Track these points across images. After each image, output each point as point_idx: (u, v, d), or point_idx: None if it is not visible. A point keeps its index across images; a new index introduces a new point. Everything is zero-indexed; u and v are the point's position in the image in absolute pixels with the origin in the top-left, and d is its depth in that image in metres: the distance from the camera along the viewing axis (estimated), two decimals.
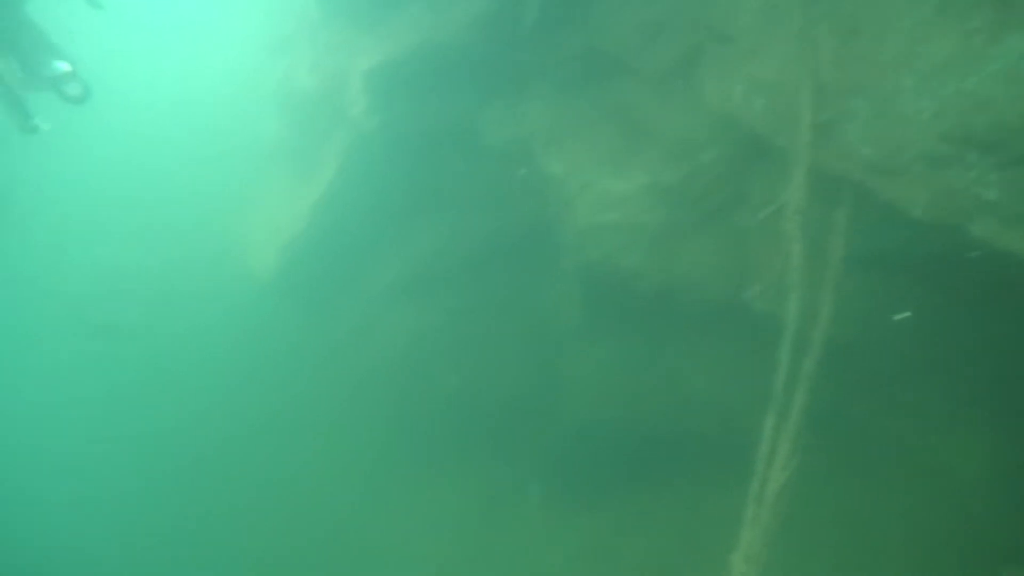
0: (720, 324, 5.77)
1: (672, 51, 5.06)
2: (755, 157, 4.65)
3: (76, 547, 8.39)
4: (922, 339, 4.19)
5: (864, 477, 4.86)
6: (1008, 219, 3.03)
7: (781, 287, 3.92)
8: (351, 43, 6.66)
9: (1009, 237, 3.05)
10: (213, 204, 9.86)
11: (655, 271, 5.81)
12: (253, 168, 9.43)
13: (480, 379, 7.40)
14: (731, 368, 5.71)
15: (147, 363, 9.69)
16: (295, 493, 8.24)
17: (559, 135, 6.04)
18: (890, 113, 3.40)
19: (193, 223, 10.16)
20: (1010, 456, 4.59)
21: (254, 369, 8.86)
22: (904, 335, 4.16)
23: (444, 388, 7.60)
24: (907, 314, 3.99)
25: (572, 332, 6.81)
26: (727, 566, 3.28)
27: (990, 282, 3.66)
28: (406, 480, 7.96)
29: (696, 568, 3.73)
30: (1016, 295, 3.44)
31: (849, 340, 4.00)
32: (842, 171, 3.56)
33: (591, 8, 5.67)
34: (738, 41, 4.21)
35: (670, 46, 5.07)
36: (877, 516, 4.80)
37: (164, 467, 8.88)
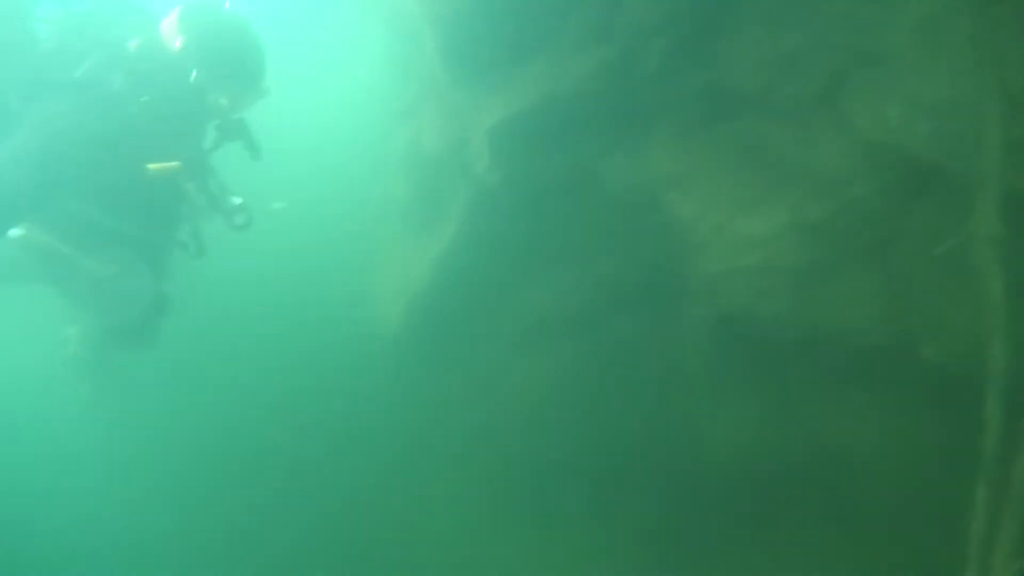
0: (881, 375, 5.23)
1: (811, 80, 4.79)
2: (919, 187, 4.24)
3: None
4: None
5: None
6: None
7: (973, 334, 3.46)
8: (477, 103, 6.91)
9: None
10: (343, 266, 10.36)
11: (799, 318, 5.40)
12: (381, 229, 9.88)
13: (610, 432, 7.14)
14: (905, 426, 5.12)
15: (277, 419, 10.08)
16: (415, 547, 8.18)
17: (686, 178, 5.86)
18: None
19: (323, 285, 10.68)
20: None
21: (380, 422, 9.04)
22: None
23: (568, 441, 7.39)
24: None
25: (709, 385, 6.44)
26: None
27: None
28: (525, 534, 7.72)
29: None
30: None
31: None
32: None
33: (716, 46, 5.53)
34: (891, 61, 3.90)
35: (808, 75, 4.81)
36: None
37: (295, 521, 9.13)
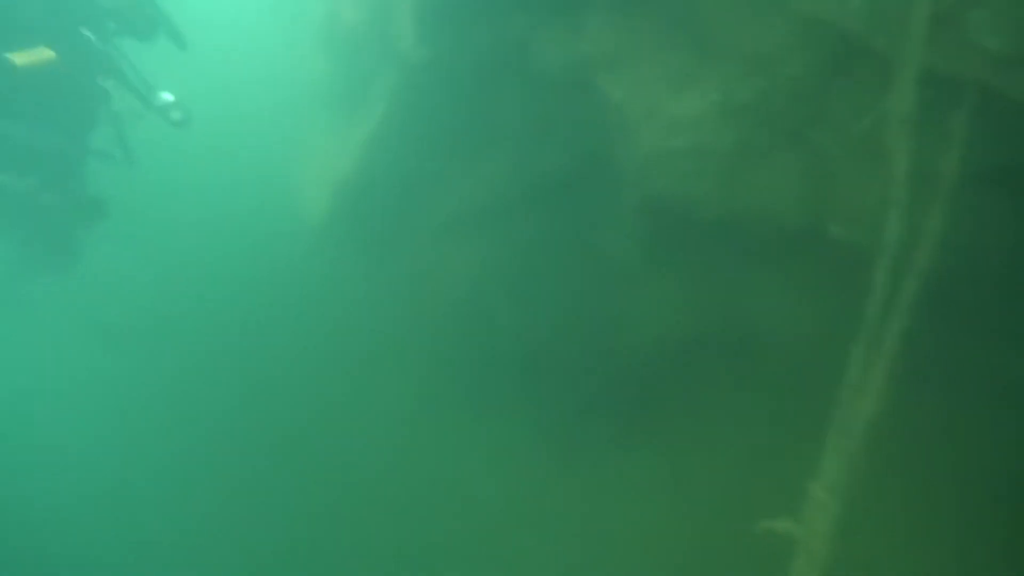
0: (796, 256, 5.48)
1: None
2: (847, 66, 4.27)
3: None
4: None
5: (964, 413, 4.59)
6: None
7: (877, 211, 3.61)
8: None
9: None
10: (260, 152, 9.85)
11: (724, 199, 5.52)
12: (301, 111, 9.36)
13: (539, 316, 7.31)
14: (808, 301, 5.44)
15: (199, 314, 9.82)
16: (341, 439, 8.32)
17: (620, 57, 5.71)
18: None
19: (240, 172, 10.17)
20: None
21: (308, 316, 8.95)
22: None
23: (501, 326, 7.54)
24: None
25: (633, 267, 6.61)
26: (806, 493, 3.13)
27: None
28: (459, 421, 7.99)
29: (774, 493, 3.59)
30: None
31: (958, 266, 3.69)
32: (960, 70, 3.20)
33: None
34: None
35: None
36: (974, 451, 4.54)
37: (220, 407, 9.07)
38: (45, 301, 8.79)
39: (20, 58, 4.23)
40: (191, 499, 8.38)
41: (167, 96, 5.46)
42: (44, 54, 4.32)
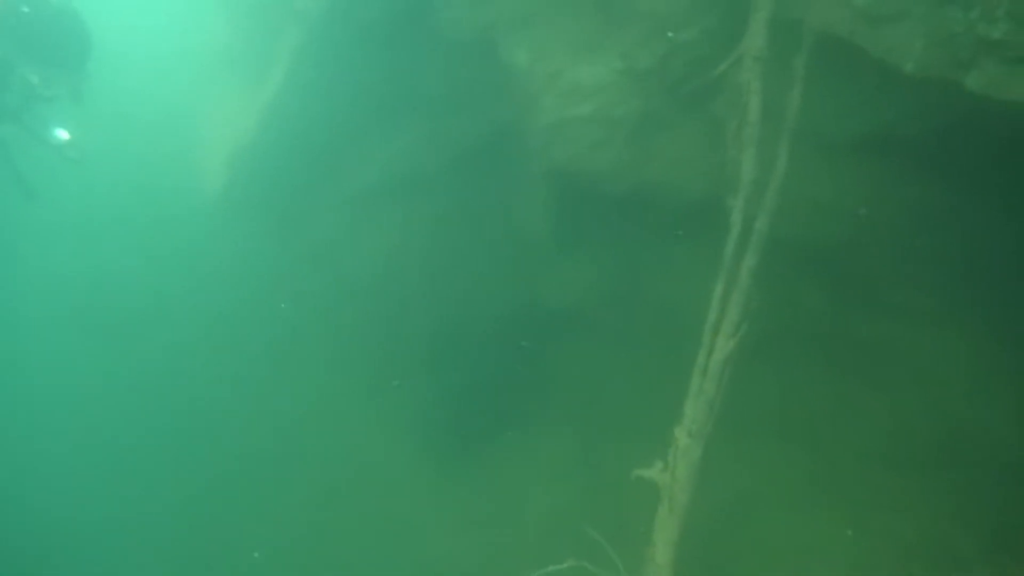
0: (696, 231, 5.63)
1: None
2: (741, 29, 4.39)
3: None
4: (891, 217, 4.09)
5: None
6: (1011, 59, 2.82)
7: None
8: None
9: (1010, 83, 2.86)
10: (156, 120, 9.47)
11: (630, 171, 5.62)
12: (199, 75, 9.02)
13: (451, 293, 7.29)
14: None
15: (93, 300, 9.43)
16: (249, 419, 8.16)
17: (525, 19, 5.71)
18: None
19: (136, 143, 9.77)
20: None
21: (208, 294, 8.68)
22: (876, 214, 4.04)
23: (413, 302, 7.50)
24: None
25: (544, 242, 6.67)
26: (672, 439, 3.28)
27: (983, 151, 3.51)
28: (363, 400, 7.93)
29: (641, 439, 3.74)
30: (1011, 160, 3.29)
31: (806, 217, 3.90)
32: (829, 25, 3.34)
33: None
34: None
35: None
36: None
37: (123, 393, 8.79)
38: None
39: None
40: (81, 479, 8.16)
41: (63, 134, 5.91)
42: None
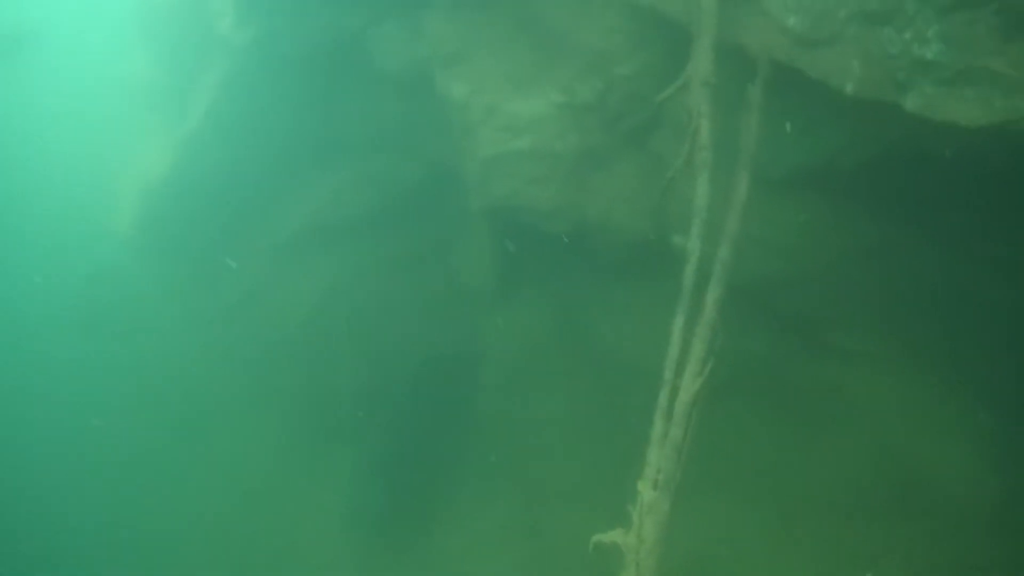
0: (641, 268, 5.57)
1: None
2: (674, 57, 4.44)
3: None
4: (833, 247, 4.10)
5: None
6: (946, 80, 2.89)
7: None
8: None
9: (947, 104, 2.91)
10: (72, 157, 9.05)
11: (569, 208, 5.54)
12: (118, 110, 8.70)
13: (383, 346, 6.94)
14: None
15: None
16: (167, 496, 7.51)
17: (461, 53, 5.68)
18: None
19: (48, 180, 9.30)
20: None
21: (114, 346, 8.09)
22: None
23: (341, 357, 7.12)
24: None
25: (482, 289, 6.48)
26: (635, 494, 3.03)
27: (922, 179, 3.56)
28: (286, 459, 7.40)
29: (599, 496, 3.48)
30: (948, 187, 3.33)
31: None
32: (766, 49, 3.38)
33: None
34: None
35: None
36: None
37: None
38: None
39: None
40: None
41: None
42: None
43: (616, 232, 5.50)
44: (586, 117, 5.17)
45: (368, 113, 6.67)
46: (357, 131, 6.87)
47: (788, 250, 4.70)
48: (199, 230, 7.38)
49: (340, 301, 7.47)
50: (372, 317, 7.33)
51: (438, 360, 7.01)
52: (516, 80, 5.43)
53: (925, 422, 4.88)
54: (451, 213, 6.63)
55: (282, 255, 7.60)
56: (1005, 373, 4.27)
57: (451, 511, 6.76)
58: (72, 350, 8.03)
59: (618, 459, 3.62)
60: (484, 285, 6.61)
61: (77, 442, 7.88)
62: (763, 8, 3.36)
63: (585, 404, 6.21)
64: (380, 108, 6.55)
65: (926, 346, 4.69)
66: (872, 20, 3.09)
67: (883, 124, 3.42)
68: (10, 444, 7.89)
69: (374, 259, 7.36)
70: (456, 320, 6.85)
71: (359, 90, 6.50)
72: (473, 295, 6.73)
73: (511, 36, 5.49)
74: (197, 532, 7.07)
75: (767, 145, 3.80)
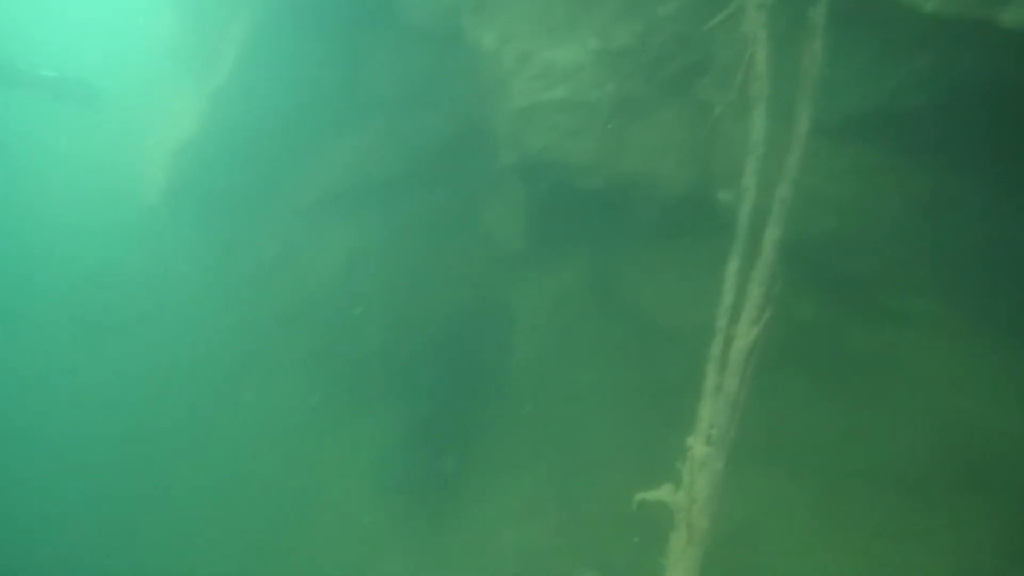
0: (680, 229, 5.29)
1: None
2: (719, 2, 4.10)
3: None
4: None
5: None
6: None
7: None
8: None
9: None
10: (102, 121, 9.07)
11: (607, 163, 5.28)
12: (147, 72, 8.65)
13: (417, 312, 6.83)
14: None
15: (25, 310, 8.92)
16: (205, 452, 7.62)
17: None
18: None
19: (79, 145, 9.36)
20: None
21: (145, 312, 8.16)
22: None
23: (371, 321, 7.03)
24: None
25: (515, 249, 6.28)
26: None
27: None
28: (331, 434, 7.40)
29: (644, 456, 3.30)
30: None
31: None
32: None
33: None
34: None
35: None
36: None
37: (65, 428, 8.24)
38: None
39: None
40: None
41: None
42: None
43: (657, 187, 5.22)
44: (624, 63, 4.87)
45: (395, 67, 6.46)
46: (383, 87, 6.68)
47: (842, 206, 4.39)
48: (226, 193, 7.31)
49: (370, 262, 7.37)
50: (402, 278, 7.22)
51: (469, 322, 6.88)
52: (549, 25, 5.14)
53: (989, 391, 4.57)
54: (482, 170, 6.41)
55: (311, 216, 7.50)
56: None
57: (482, 476, 6.66)
58: (110, 316, 8.14)
59: (657, 427, 3.42)
60: (516, 245, 6.40)
61: (113, 403, 8.05)
62: None
63: (622, 370, 6.01)
64: (408, 63, 6.34)
65: (992, 311, 4.36)
66: None
67: (963, 53, 3.05)
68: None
69: (403, 219, 7.21)
70: (488, 281, 6.68)
71: (386, 44, 6.29)
72: (505, 255, 6.54)
73: None
74: (226, 493, 7.14)
75: (822, 89, 3.48)
